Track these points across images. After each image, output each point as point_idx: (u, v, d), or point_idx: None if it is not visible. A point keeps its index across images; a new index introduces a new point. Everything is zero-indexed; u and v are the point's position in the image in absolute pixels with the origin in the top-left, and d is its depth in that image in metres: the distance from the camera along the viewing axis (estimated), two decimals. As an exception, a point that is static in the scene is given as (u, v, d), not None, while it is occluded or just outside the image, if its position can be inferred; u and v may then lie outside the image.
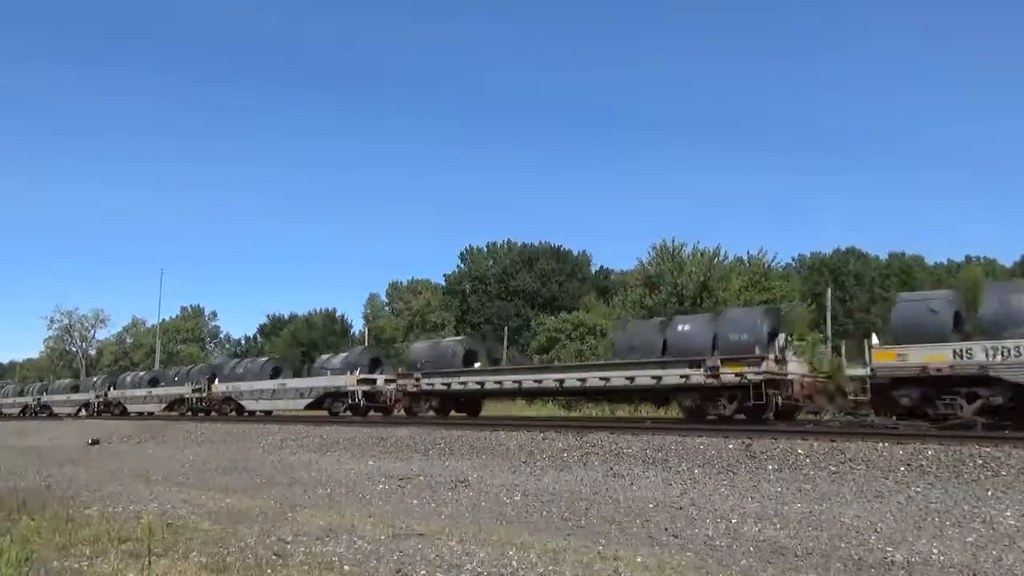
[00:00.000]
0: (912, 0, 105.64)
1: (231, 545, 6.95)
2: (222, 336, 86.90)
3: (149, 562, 5.94)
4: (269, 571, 5.93)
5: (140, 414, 35.89)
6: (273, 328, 74.61)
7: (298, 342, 61.87)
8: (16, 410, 50.21)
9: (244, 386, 30.71)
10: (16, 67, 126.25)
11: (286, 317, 74.66)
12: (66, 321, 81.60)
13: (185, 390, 33.55)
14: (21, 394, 52.23)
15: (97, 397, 40.02)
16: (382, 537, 7.23)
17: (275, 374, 30.44)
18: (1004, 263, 59.97)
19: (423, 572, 5.86)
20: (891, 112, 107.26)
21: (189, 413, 32.63)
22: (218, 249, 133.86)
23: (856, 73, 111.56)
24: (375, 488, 11.18)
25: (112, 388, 39.95)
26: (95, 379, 45.18)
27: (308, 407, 26.77)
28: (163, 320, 71.04)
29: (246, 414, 29.99)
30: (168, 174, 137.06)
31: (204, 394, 32.07)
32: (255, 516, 8.78)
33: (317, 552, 6.60)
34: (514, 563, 6.04)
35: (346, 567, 6.02)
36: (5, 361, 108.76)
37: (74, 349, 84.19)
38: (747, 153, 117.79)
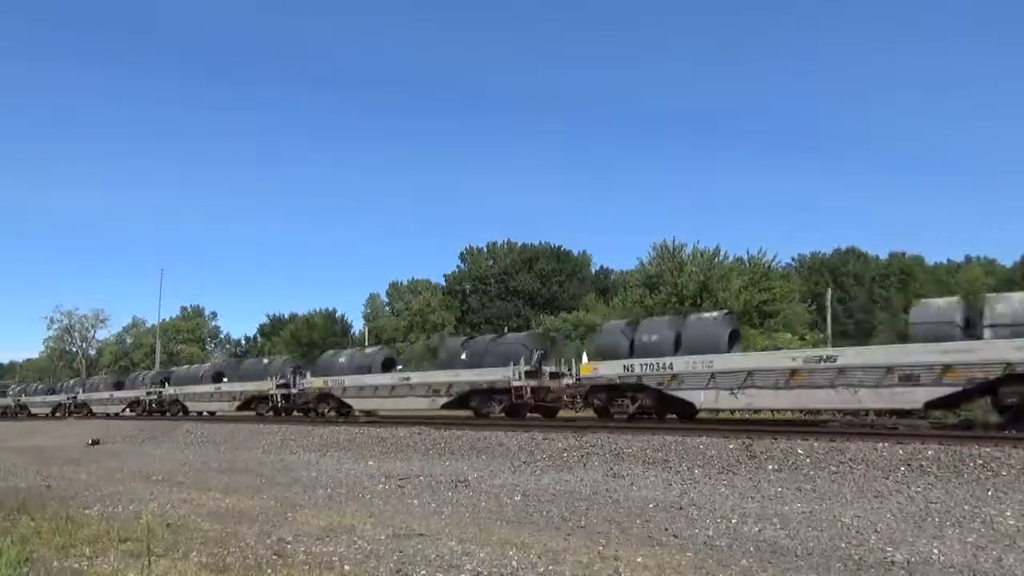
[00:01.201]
0: (912, 0, 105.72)
1: (231, 545, 6.95)
2: (222, 336, 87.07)
3: (149, 562, 5.94)
4: (269, 571, 5.93)
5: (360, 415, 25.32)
6: (273, 328, 74.69)
7: (298, 342, 61.89)
8: (117, 408, 37.87)
9: (688, 364, 16.71)
10: (16, 67, 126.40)
11: (286, 317, 74.76)
12: (66, 321, 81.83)
13: (493, 376, 20.75)
14: (119, 387, 39.68)
15: (280, 386, 27.67)
16: (382, 537, 7.23)
17: (733, 339, 18.11)
18: (1004, 263, 60.03)
19: (423, 572, 5.86)
20: (891, 112, 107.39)
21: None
22: (218, 249, 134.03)
23: (856, 73, 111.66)
24: (375, 488, 11.17)
25: (299, 374, 27.70)
26: (268, 360, 31.89)
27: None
28: (163, 320, 71.14)
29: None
30: (168, 174, 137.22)
31: (544, 381, 20.40)
32: (255, 516, 8.78)
33: (317, 552, 6.60)
34: (514, 563, 6.04)
35: (346, 567, 6.02)
36: (5, 361, 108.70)
37: (74, 349, 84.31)
38: (747, 153, 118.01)
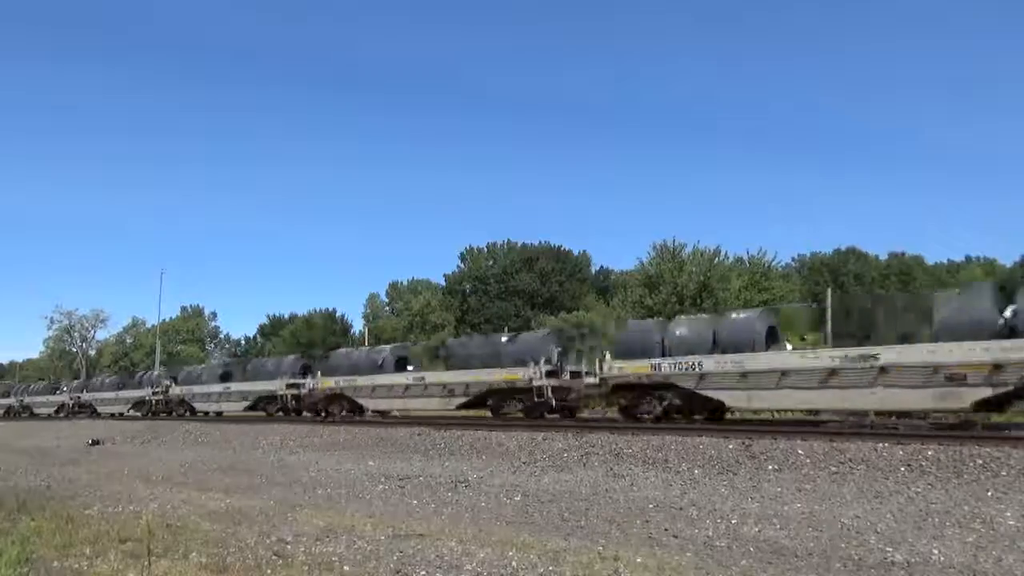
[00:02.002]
0: (912, 0, 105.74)
1: (231, 545, 6.95)
2: (222, 336, 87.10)
3: (149, 562, 5.95)
4: (269, 571, 5.93)
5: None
6: (273, 328, 74.74)
7: (298, 342, 61.89)
8: (235, 406, 29.40)
9: None
10: (17, 67, 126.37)
11: (286, 317, 74.82)
12: (66, 321, 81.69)
13: None
14: (228, 378, 31.04)
15: (549, 374, 19.13)
16: (382, 537, 7.23)
17: None
18: (1004, 263, 60.05)
19: (423, 572, 5.86)
20: (891, 112, 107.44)
21: None
22: (218, 249, 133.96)
23: (856, 73, 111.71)
24: (375, 488, 11.18)
25: (573, 357, 20.34)
26: (507, 338, 21.98)
27: None
28: (163, 320, 71.11)
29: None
30: (168, 174, 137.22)
31: None
32: (255, 516, 8.78)
33: (317, 552, 6.60)
34: (514, 563, 6.03)
35: (346, 567, 6.02)
36: (5, 361, 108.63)
37: (74, 349, 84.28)
38: (747, 153, 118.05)
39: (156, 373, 37.41)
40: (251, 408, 28.43)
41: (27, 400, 45.86)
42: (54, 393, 44.06)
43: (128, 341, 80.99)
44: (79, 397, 40.41)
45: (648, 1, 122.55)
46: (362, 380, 24.04)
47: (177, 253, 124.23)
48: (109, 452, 20.40)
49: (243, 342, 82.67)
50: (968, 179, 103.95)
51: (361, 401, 24.25)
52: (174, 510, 9.43)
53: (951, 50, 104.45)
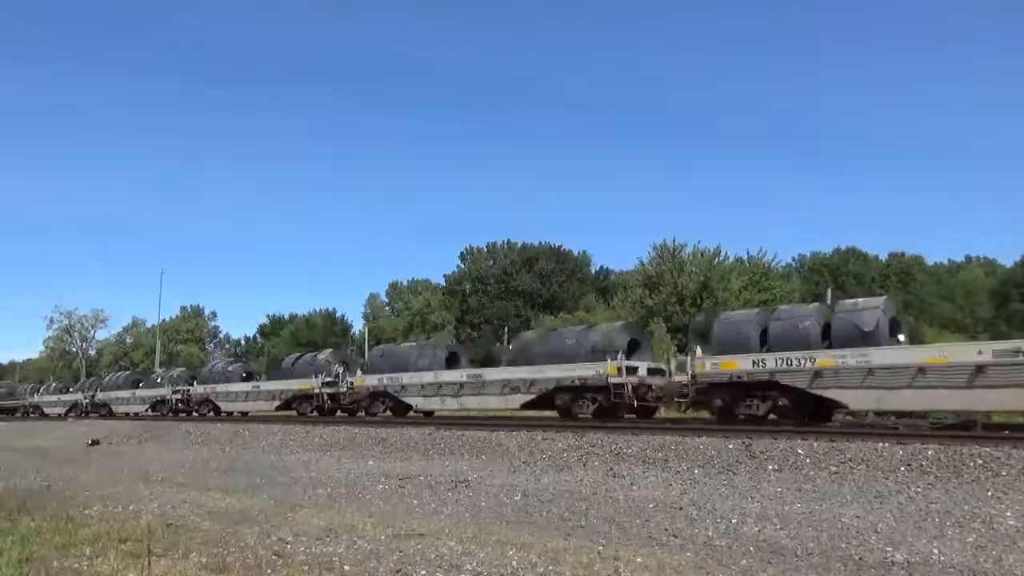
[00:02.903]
0: (912, 0, 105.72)
1: (231, 545, 6.95)
2: (222, 336, 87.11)
3: (149, 562, 5.94)
4: (269, 571, 5.93)
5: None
6: (273, 328, 74.77)
7: (298, 342, 61.91)
8: (512, 399, 18.86)
9: None
10: (17, 67, 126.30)
11: (286, 317, 74.86)
12: (66, 321, 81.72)
13: None
14: (493, 361, 22.72)
15: None
16: (382, 537, 7.22)
17: None
18: (1004, 263, 59.99)
19: (423, 572, 5.86)
20: (891, 112, 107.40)
21: None
22: (218, 249, 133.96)
23: (856, 73, 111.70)
24: (375, 488, 11.17)
25: None
26: None
27: None
28: (163, 320, 71.11)
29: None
30: (168, 174, 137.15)
31: None
32: (255, 516, 8.78)
33: (317, 552, 6.60)
34: (514, 563, 6.03)
35: (346, 567, 6.02)
36: (5, 361, 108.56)
37: (74, 349, 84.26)
38: (747, 152, 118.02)
39: (323, 356, 25.79)
40: (532, 405, 18.60)
41: (102, 396, 35.66)
42: (137, 386, 34.29)
43: (128, 341, 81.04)
44: (185, 392, 30.20)
45: (648, 1, 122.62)
46: (827, 356, 13.92)
47: (177, 253, 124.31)
48: (109, 452, 20.39)
49: (243, 342, 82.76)
50: (968, 179, 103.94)
51: (835, 395, 14.14)
52: (174, 510, 9.43)
53: (951, 50, 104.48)
